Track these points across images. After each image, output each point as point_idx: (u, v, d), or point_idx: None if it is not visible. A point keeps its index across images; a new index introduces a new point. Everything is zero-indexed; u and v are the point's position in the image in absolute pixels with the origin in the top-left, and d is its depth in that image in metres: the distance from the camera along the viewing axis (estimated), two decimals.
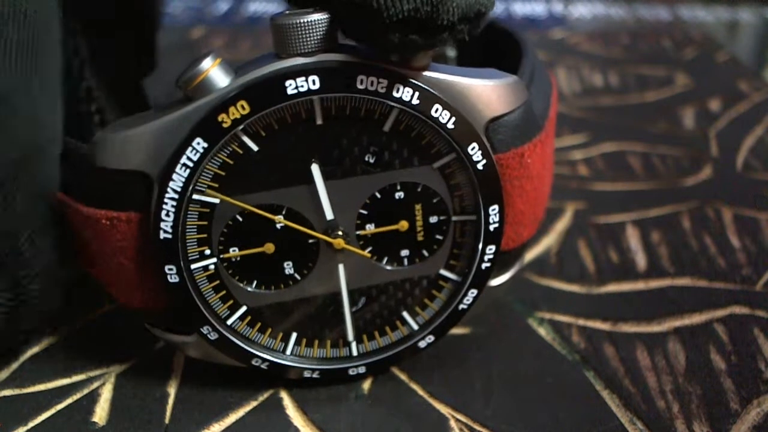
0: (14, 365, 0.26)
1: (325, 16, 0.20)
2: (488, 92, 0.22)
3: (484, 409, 0.24)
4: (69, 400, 0.25)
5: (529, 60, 0.28)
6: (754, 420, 0.24)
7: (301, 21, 0.20)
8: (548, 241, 0.34)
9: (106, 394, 0.25)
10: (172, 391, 0.25)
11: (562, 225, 0.35)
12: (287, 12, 0.21)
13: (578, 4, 0.83)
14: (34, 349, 0.27)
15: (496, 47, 0.38)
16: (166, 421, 0.24)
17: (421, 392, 0.25)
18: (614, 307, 0.29)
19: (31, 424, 0.24)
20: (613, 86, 0.54)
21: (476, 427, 0.23)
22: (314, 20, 0.20)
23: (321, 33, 0.20)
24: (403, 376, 0.26)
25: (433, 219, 0.24)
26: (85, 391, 0.25)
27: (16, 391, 0.25)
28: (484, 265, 0.24)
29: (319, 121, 0.21)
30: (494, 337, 0.27)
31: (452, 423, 0.24)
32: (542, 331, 0.28)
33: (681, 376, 0.25)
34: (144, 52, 0.37)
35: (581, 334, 0.28)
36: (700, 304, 0.29)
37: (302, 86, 0.20)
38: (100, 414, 0.24)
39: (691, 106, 0.49)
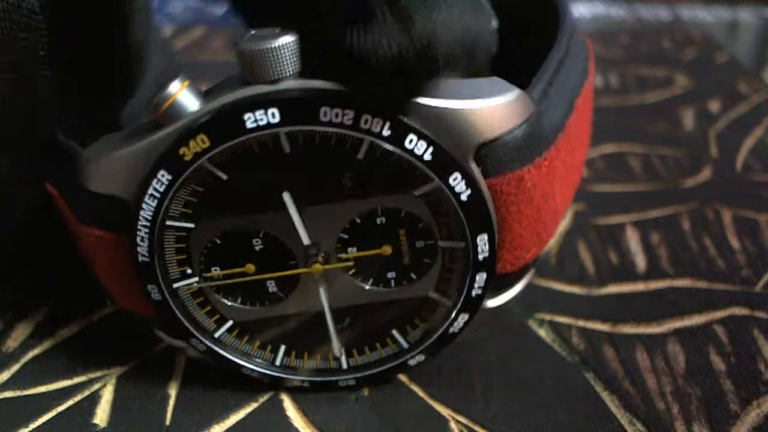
0: (15, 367, 0.26)
1: (291, 39, 0.19)
2: (480, 115, 0.20)
3: (484, 411, 0.24)
4: (70, 402, 0.25)
5: (561, 48, 0.26)
6: (754, 421, 0.24)
7: (264, 48, 0.19)
8: (548, 243, 0.34)
9: (107, 395, 0.25)
10: (173, 392, 0.25)
11: (561, 226, 0.35)
12: (252, 34, 0.19)
13: (578, 4, 0.83)
14: (35, 351, 0.27)
15: (532, 23, 0.33)
16: (167, 422, 0.24)
17: (421, 394, 0.25)
18: (614, 309, 0.29)
19: (31, 426, 0.24)
20: (613, 86, 0.54)
21: (476, 428, 0.23)
22: (278, 46, 0.19)
23: (285, 59, 0.19)
24: (403, 378, 0.26)
25: (420, 243, 0.22)
26: (86, 392, 0.25)
27: (17, 393, 0.25)
28: (474, 292, 0.22)
29: (287, 150, 0.20)
30: (494, 339, 0.27)
31: (452, 425, 0.24)
32: (542, 333, 0.28)
33: (681, 377, 0.25)
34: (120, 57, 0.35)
35: (581, 336, 0.28)
36: (699, 305, 0.29)
37: (261, 120, 0.19)
38: (101, 416, 0.24)
39: (691, 107, 0.49)
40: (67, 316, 0.29)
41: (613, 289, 0.30)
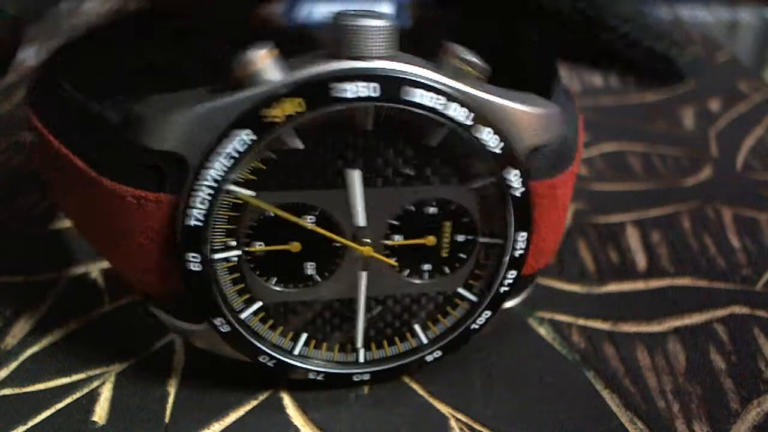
0: (14, 364, 0.26)
1: (391, 21, 0.20)
2: (534, 120, 0.22)
3: (484, 409, 0.24)
4: (69, 399, 0.25)
5: (559, 87, 0.28)
6: (755, 420, 0.24)
7: (369, 25, 0.20)
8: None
9: (106, 393, 0.25)
10: (172, 390, 0.25)
11: None
12: (351, 12, 0.20)
13: None
14: (34, 348, 0.27)
15: (523, 67, 0.37)
16: (166, 420, 0.24)
17: (421, 392, 0.25)
18: (614, 307, 0.29)
19: (30, 424, 0.24)
20: (613, 86, 0.54)
21: (476, 426, 0.23)
22: (381, 26, 0.20)
23: (384, 39, 0.20)
24: (403, 376, 0.26)
25: (461, 238, 0.23)
26: (85, 390, 0.25)
27: (16, 390, 0.25)
28: (502, 289, 0.24)
29: (369, 128, 0.21)
30: (494, 337, 0.27)
31: (452, 423, 0.24)
32: (542, 331, 0.28)
33: (681, 375, 0.25)
34: None
35: (581, 334, 0.28)
36: (700, 304, 0.29)
37: (363, 92, 0.20)
38: (100, 413, 0.24)
39: (691, 106, 0.49)
40: (65, 313, 0.29)
41: (613, 287, 0.30)
